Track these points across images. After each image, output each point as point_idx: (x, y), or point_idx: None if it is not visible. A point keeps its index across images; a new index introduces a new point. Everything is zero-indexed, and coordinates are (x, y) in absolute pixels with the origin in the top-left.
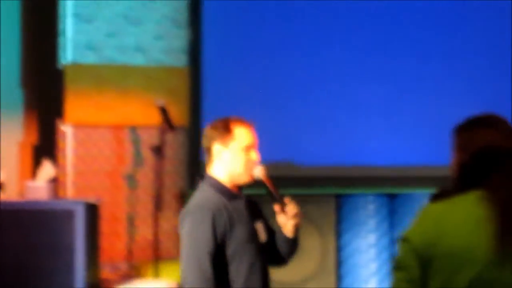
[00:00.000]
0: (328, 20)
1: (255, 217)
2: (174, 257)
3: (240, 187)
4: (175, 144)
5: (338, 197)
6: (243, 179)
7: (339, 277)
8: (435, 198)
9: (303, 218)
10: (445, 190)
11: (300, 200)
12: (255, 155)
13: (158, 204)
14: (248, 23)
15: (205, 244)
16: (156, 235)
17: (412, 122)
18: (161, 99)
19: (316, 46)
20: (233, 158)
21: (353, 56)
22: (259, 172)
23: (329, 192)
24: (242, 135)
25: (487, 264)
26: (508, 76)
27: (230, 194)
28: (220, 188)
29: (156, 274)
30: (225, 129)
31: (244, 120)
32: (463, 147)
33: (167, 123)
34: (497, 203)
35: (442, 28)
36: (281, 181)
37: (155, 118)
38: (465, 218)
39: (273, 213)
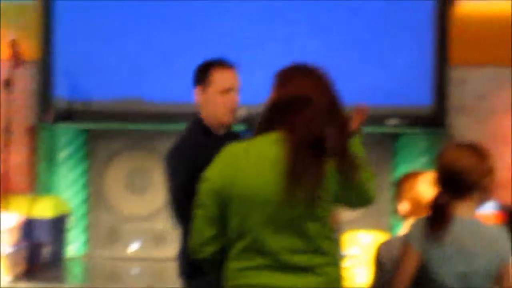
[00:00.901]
0: None
1: None
2: (23, 190)
3: (227, 125)
4: (26, 79)
5: None
6: (223, 120)
7: None
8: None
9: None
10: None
11: (150, 135)
12: (233, 98)
13: (8, 137)
14: None
15: (181, 180)
16: (6, 168)
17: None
18: (12, 34)
19: None
20: (210, 102)
21: None
22: (241, 113)
23: (179, 128)
24: (220, 78)
25: (279, 204)
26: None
27: (210, 132)
28: (202, 127)
29: (6, 207)
30: (203, 73)
31: (224, 62)
32: (276, 89)
33: (17, 57)
34: (290, 144)
35: None
36: (130, 117)
37: (6, 52)
38: (260, 159)
39: None
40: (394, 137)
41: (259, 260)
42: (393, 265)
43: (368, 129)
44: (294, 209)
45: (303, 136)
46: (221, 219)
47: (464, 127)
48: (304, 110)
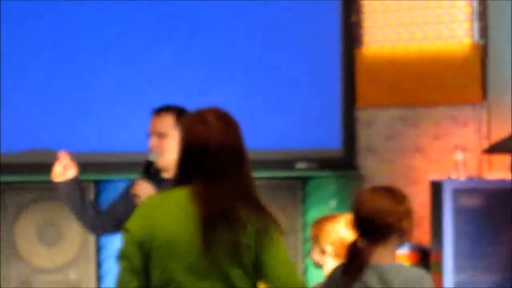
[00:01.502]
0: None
1: None
2: None
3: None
4: None
5: (97, 182)
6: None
7: (99, 263)
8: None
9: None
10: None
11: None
12: (150, 142)
13: None
14: None
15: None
16: None
17: None
18: None
19: (67, 36)
20: None
21: (105, 45)
22: (151, 157)
23: (87, 178)
24: (150, 123)
25: (197, 255)
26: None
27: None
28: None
29: None
30: None
31: (153, 109)
32: (181, 140)
33: None
34: (199, 198)
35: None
36: (40, 168)
37: None
38: (176, 212)
39: None
40: (303, 181)
41: None
42: None
43: (277, 174)
44: (216, 257)
45: (209, 187)
46: (145, 270)
47: (373, 168)
48: (206, 161)
